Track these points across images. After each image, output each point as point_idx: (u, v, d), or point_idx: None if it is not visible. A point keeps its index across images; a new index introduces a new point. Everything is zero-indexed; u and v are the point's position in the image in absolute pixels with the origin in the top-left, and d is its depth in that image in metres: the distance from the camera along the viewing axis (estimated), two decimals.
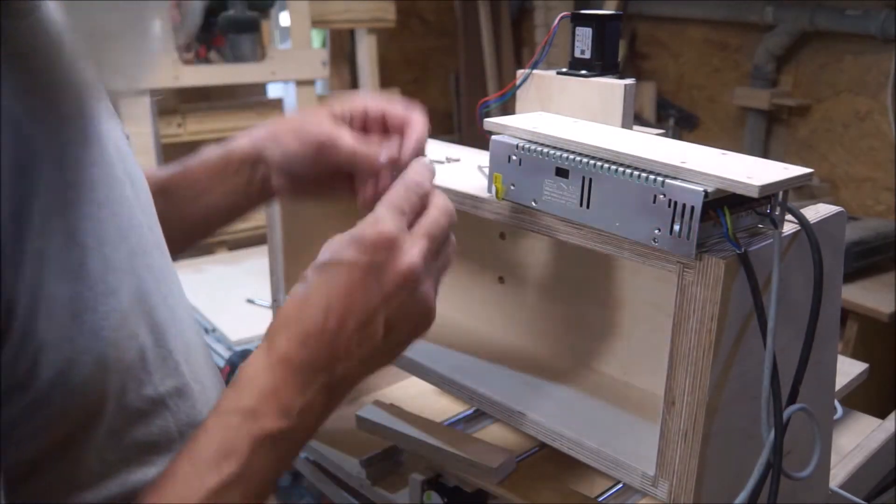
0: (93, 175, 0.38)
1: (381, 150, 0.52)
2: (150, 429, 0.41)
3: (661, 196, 0.44)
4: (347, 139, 0.53)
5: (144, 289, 0.42)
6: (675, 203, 0.44)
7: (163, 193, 0.54)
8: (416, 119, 0.54)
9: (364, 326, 0.38)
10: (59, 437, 0.35)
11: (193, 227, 0.59)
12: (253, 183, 0.57)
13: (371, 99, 0.56)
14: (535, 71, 0.60)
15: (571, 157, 0.49)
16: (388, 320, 0.39)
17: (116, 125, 0.46)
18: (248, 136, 0.57)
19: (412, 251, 0.40)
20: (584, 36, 0.57)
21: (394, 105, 0.55)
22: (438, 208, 0.44)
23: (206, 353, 0.50)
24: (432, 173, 0.46)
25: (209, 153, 0.58)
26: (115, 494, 0.38)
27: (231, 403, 0.38)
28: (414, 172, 0.45)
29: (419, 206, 0.43)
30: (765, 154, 2.05)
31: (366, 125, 0.56)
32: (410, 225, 0.42)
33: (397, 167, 0.52)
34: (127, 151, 0.45)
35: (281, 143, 0.55)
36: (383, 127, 0.56)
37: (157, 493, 0.36)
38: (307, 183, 0.56)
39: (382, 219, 0.41)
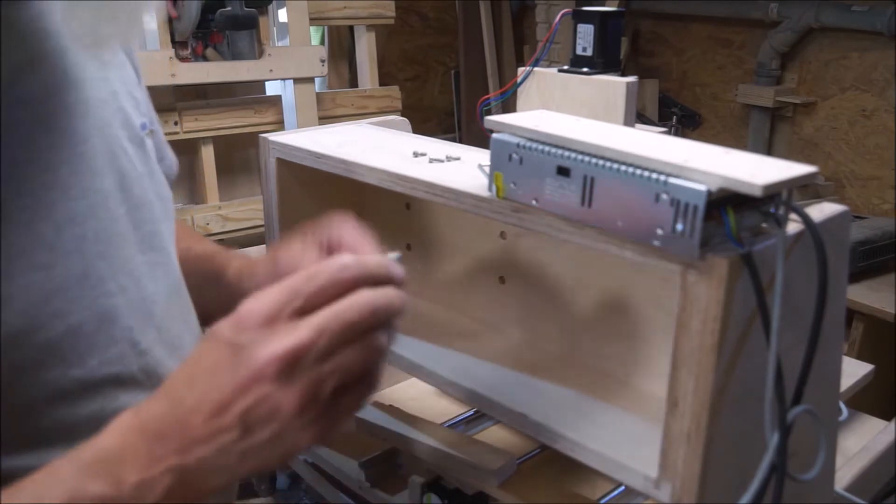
0: (50, 158, 0.41)
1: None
2: (77, 411, 0.42)
3: (664, 195, 0.44)
4: (307, 262, 0.50)
5: (95, 275, 0.43)
6: (678, 202, 0.43)
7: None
8: (362, 242, 0.47)
9: (219, 414, 0.34)
10: None
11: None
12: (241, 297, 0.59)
13: (332, 227, 0.49)
14: (536, 68, 0.59)
15: (573, 155, 0.48)
16: (246, 417, 0.33)
17: (124, 122, 0.48)
18: (234, 269, 0.59)
19: (280, 342, 0.33)
20: (586, 33, 0.56)
21: (348, 231, 0.48)
22: (353, 301, 0.35)
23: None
24: (371, 267, 0.38)
25: (210, 267, 0.60)
26: (32, 467, 0.38)
27: (76, 451, 0.35)
28: (338, 259, 0.37)
29: (332, 293, 0.35)
30: (769, 152, 2.03)
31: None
32: (309, 311, 0.35)
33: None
34: (123, 148, 0.47)
35: (254, 277, 0.56)
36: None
37: None
38: None
39: (268, 291, 0.35)
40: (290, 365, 0.33)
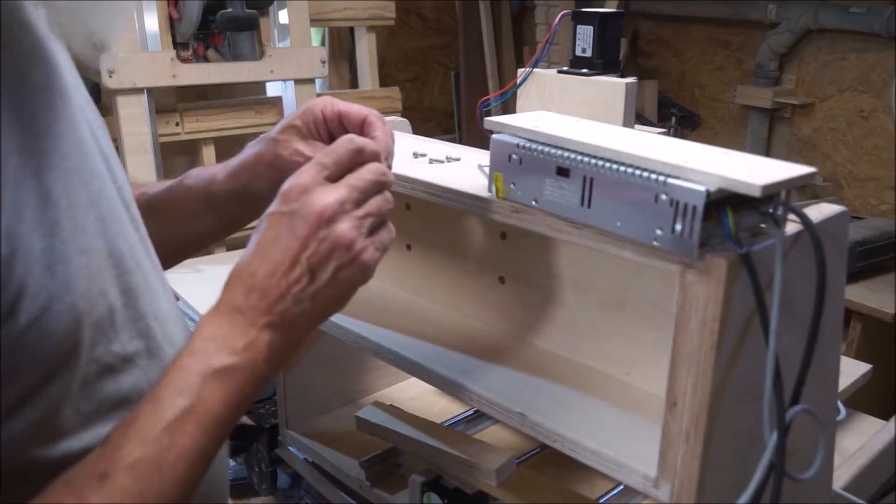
0: (63, 145, 0.42)
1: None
2: (121, 384, 0.45)
3: (663, 195, 0.44)
4: (312, 154, 0.54)
5: (117, 254, 0.45)
6: (677, 202, 0.43)
7: (152, 212, 0.57)
8: (371, 115, 0.53)
9: (290, 270, 0.42)
10: (36, 381, 0.38)
11: (185, 245, 0.62)
12: (245, 206, 0.59)
13: (326, 104, 0.55)
14: (535, 69, 0.59)
15: (572, 156, 0.48)
16: (311, 262, 0.42)
17: (88, 105, 0.49)
18: (226, 172, 0.58)
19: (324, 196, 0.43)
20: (586, 34, 0.57)
21: (349, 106, 0.55)
22: (367, 167, 0.46)
23: (182, 322, 0.54)
24: (373, 142, 0.48)
25: (193, 181, 0.59)
26: (92, 445, 0.41)
27: (185, 350, 0.43)
28: (350, 135, 0.47)
29: (348, 163, 0.46)
30: (767, 153, 2.04)
31: (330, 131, 0.56)
32: (337, 179, 0.45)
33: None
34: (100, 131, 0.49)
35: (262, 177, 0.56)
36: (344, 130, 0.55)
37: (123, 429, 0.40)
38: None
39: (300, 172, 0.45)
40: (336, 212, 0.43)
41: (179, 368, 0.42)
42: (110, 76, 1.28)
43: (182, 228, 0.60)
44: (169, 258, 0.59)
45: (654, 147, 0.47)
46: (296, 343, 0.44)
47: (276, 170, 0.55)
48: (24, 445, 0.39)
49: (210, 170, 0.59)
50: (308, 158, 0.53)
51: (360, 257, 0.44)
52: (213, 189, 0.58)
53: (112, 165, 0.49)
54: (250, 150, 0.57)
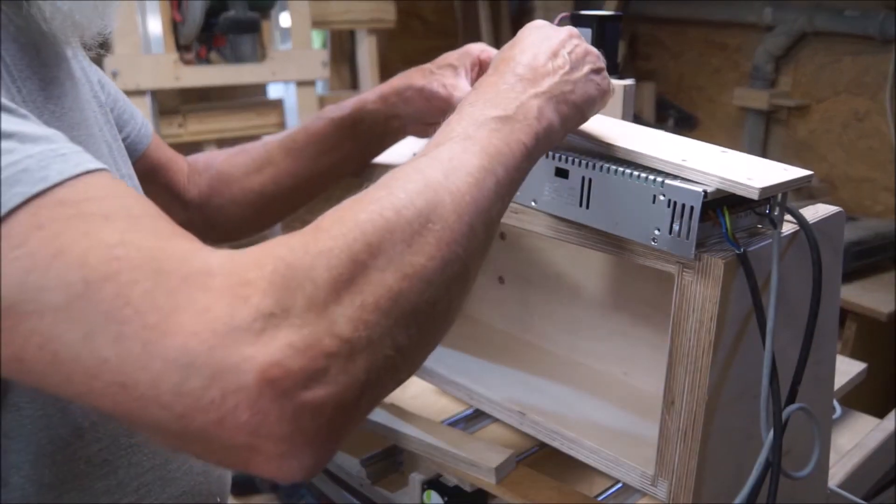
0: (72, 118, 0.44)
1: None
2: None
3: (661, 196, 0.44)
4: (462, 92, 0.58)
5: None
6: (675, 203, 0.44)
7: (287, 153, 0.63)
8: None
9: (553, 57, 0.46)
10: None
11: (324, 176, 0.66)
12: (387, 133, 0.65)
13: (483, 49, 0.61)
14: None
15: (571, 157, 0.49)
16: (570, 56, 0.47)
17: (97, 101, 0.51)
18: (377, 94, 0.64)
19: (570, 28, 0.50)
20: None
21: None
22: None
23: None
24: None
25: (335, 113, 0.64)
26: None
27: (464, 105, 0.44)
28: None
29: None
30: (763, 154, 2.04)
31: (481, 73, 0.60)
32: None
33: None
34: (105, 126, 0.50)
35: (410, 103, 0.62)
36: None
37: (419, 159, 0.39)
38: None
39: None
40: (578, 37, 0.49)
41: (462, 117, 0.41)
42: (114, 78, 1.29)
43: (323, 160, 0.64)
44: (309, 193, 0.65)
45: (652, 145, 0.47)
46: (560, 124, 0.44)
47: (424, 97, 0.60)
48: None
49: (351, 100, 0.64)
50: (449, 94, 0.58)
51: (594, 79, 0.47)
52: (364, 111, 0.63)
53: (115, 156, 0.50)
54: (402, 77, 0.62)
